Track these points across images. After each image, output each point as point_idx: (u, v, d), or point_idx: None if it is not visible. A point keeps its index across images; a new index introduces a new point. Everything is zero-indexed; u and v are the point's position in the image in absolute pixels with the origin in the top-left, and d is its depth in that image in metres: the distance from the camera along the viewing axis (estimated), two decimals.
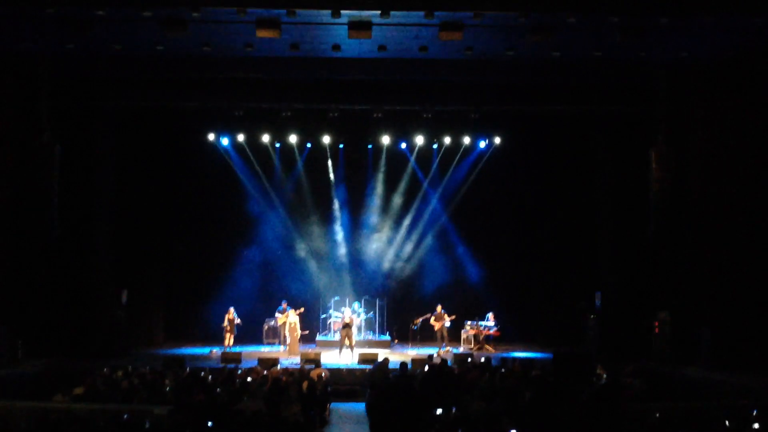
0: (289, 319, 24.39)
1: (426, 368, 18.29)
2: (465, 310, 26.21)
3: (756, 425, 11.45)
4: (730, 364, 19.73)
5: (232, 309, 24.60)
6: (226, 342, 24.28)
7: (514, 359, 20.49)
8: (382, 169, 27.51)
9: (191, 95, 23.25)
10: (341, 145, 27.07)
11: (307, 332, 25.49)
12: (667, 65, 21.46)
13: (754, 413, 12.24)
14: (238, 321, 24.55)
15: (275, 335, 25.74)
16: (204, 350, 24.48)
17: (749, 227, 20.78)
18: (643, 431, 11.58)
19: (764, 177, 20.54)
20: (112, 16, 17.27)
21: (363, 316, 26.27)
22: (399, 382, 14.49)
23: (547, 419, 10.95)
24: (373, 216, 27.71)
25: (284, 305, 25.15)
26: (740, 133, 21.05)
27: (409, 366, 19.36)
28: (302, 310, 24.85)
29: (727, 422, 11.63)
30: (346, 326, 24.09)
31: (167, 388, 15.48)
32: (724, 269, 21.25)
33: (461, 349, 24.83)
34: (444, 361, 18.92)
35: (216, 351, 23.76)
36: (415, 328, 25.48)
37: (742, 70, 20.72)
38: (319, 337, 26.16)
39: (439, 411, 12.37)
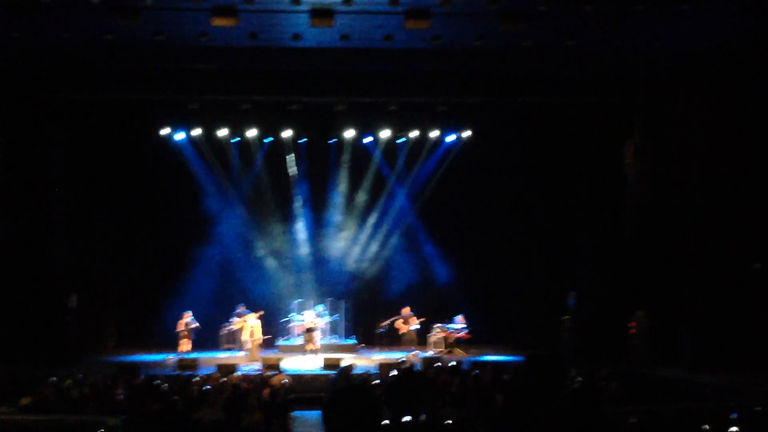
0: (249, 323, 24.29)
1: (393, 373, 18.33)
2: (433, 312, 26.27)
3: (735, 428, 11.55)
4: (711, 365, 19.90)
5: (188, 313, 24.45)
6: (182, 348, 24.12)
7: (485, 363, 20.57)
8: (346, 164, 27.47)
9: (143, 88, 23.06)
10: (303, 140, 26.99)
11: (268, 337, 25.39)
12: (645, 56, 21.58)
13: (734, 416, 12.36)
14: (195, 325, 24.41)
15: (234, 340, 25.62)
16: (159, 357, 24.29)
17: (729, 222, 21.01)
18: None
19: (744, 170, 20.78)
20: (58, 3, 17.08)
21: (327, 319, 26.20)
22: (357, 386, 14.49)
23: (520, 425, 10.99)
24: (336, 214, 27.66)
25: (241, 309, 25.08)
26: (720, 125, 21.27)
27: (376, 371, 19.54)
28: (261, 312, 24.74)
29: (707, 425, 11.73)
30: (309, 330, 24.06)
31: (120, 397, 15.37)
32: (704, 266, 21.45)
33: (430, 353, 24.81)
34: (412, 365, 18.97)
35: (172, 357, 23.55)
36: (382, 331, 25.52)
37: (722, 60, 20.93)
38: (280, 342, 26.06)
39: (407, 418, 12.38)
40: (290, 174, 27.32)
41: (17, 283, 22.85)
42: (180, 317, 24.42)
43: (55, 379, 17.31)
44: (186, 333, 24.27)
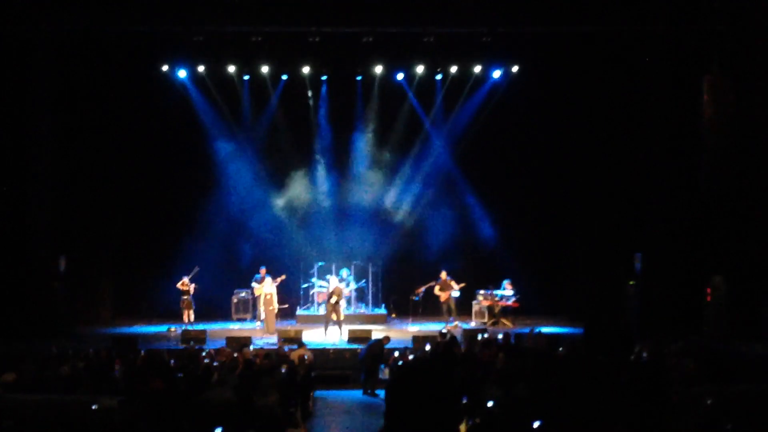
0: (264, 289, 24.37)
1: (428, 347, 18.43)
2: (476, 277, 26.27)
3: None
4: None
5: (185, 278, 24.65)
6: (185, 318, 24.34)
7: (538, 335, 20.60)
8: (375, 105, 27.43)
9: (140, 17, 23.02)
10: (324, 77, 26.93)
11: (285, 306, 25.52)
12: None
13: None
14: (193, 290, 24.55)
15: (246, 309, 25.81)
16: (161, 328, 24.53)
17: None
18: (694, 419, 11.66)
19: None
20: None
21: (353, 286, 26.34)
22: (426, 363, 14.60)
23: (579, 408, 11.02)
24: (363, 163, 27.64)
25: (263, 272, 25.10)
26: None
27: (410, 345, 19.69)
28: (282, 278, 24.85)
29: None
30: (333, 297, 24.16)
31: (117, 375, 15.55)
32: None
33: (473, 324, 24.95)
34: (452, 338, 19.03)
35: (175, 329, 23.81)
36: (417, 299, 25.55)
37: None
38: (300, 312, 26.28)
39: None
40: (310, 116, 27.29)
41: None
42: (179, 282, 24.65)
43: (43, 353, 17.54)
44: (187, 302, 24.46)
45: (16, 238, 23.31)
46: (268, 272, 24.98)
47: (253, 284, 25.29)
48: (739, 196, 22.65)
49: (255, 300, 25.28)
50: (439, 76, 27.00)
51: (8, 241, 23.21)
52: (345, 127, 27.56)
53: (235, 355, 17.52)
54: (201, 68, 26.03)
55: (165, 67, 25.94)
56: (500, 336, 19.71)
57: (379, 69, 26.30)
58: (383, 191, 27.76)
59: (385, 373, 18.56)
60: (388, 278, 27.31)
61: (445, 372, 12.57)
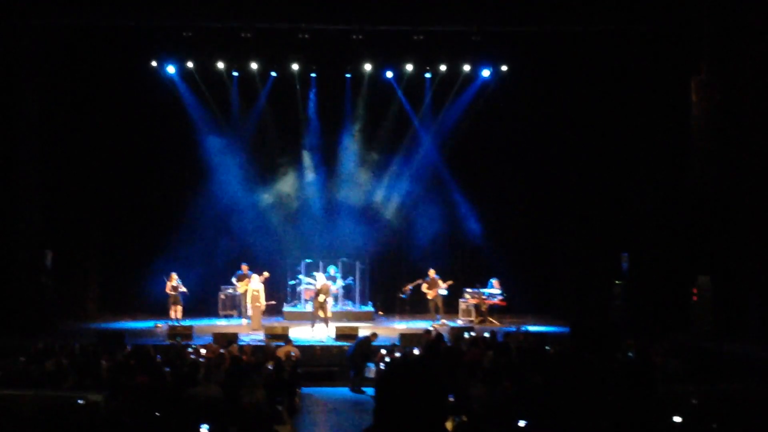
0: (251, 286, 24.38)
1: (416, 351, 18.42)
2: (464, 275, 26.30)
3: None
4: None
5: (174, 275, 24.61)
6: (172, 314, 24.31)
7: (524, 334, 20.61)
8: (364, 102, 27.39)
9: (129, 12, 22.95)
10: (313, 74, 26.89)
11: (273, 302, 25.50)
12: None
13: None
14: (182, 289, 24.54)
15: (233, 306, 25.75)
16: (146, 324, 24.46)
17: None
18: (679, 418, 11.67)
19: None
20: None
21: (340, 283, 26.32)
22: (417, 362, 14.61)
23: (565, 406, 11.02)
24: (351, 160, 27.61)
25: (244, 269, 25.14)
26: None
27: (397, 342, 19.67)
28: (267, 275, 24.83)
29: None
30: (320, 294, 24.15)
31: (103, 370, 15.50)
32: None
33: (460, 322, 24.93)
34: (438, 335, 19.01)
35: (162, 325, 23.77)
36: (404, 296, 25.54)
37: None
38: (286, 308, 26.22)
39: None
40: (299, 113, 27.27)
41: None
42: (167, 279, 24.56)
43: (29, 348, 17.47)
44: (175, 297, 24.43)
45: (2, 233, 23.20)
46: (251, 269, 25.01)
47: (234, 281, 25.32)
48: (725, 196, 22.69)
49: (241, 297, 25.21)
50: (428, 75, 26.97)
51: None
52: (334, 125, 27.52)
53: (222, 351, 17.51)
54: (190, 64, 25.95)
55: (154, 63, 25.86)
56: (487, 334, 19.72)
57: (368, 67, 26.28)
58: (371, 188, 27.71)
59: (371, 372, 18.54)
60: (376, 276, 27.31)
61: (433, 369, 12.51)
